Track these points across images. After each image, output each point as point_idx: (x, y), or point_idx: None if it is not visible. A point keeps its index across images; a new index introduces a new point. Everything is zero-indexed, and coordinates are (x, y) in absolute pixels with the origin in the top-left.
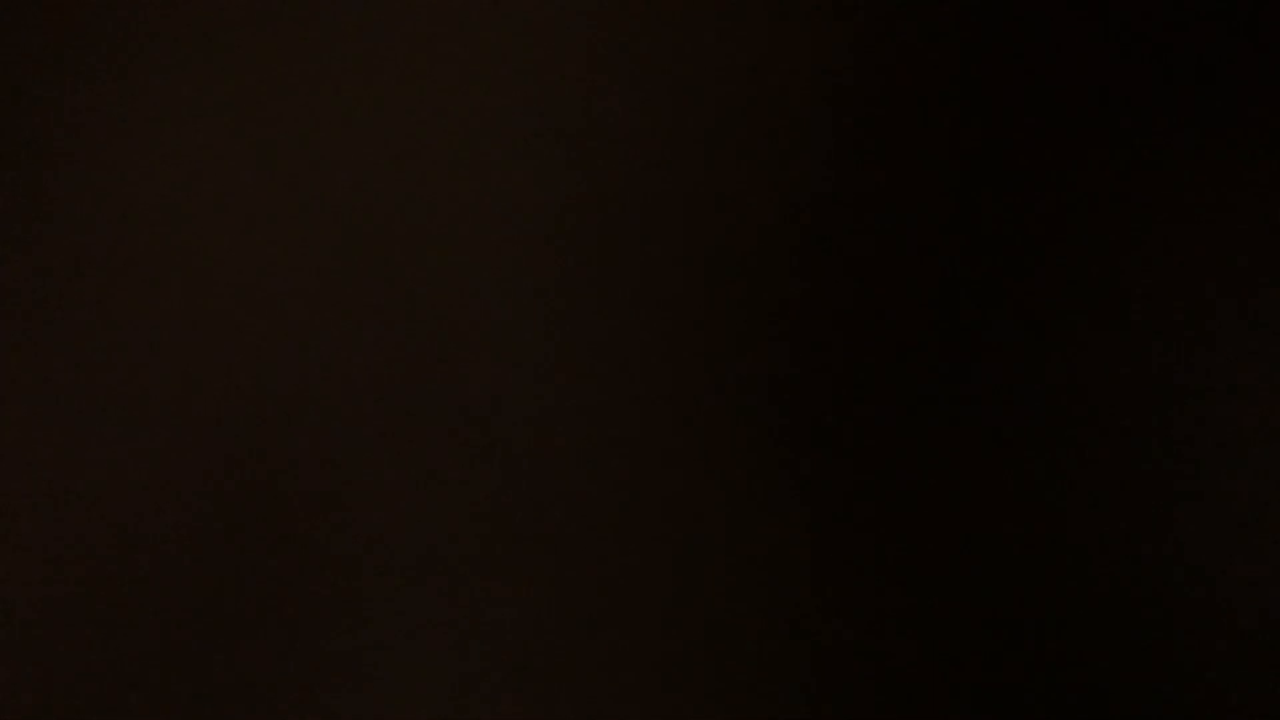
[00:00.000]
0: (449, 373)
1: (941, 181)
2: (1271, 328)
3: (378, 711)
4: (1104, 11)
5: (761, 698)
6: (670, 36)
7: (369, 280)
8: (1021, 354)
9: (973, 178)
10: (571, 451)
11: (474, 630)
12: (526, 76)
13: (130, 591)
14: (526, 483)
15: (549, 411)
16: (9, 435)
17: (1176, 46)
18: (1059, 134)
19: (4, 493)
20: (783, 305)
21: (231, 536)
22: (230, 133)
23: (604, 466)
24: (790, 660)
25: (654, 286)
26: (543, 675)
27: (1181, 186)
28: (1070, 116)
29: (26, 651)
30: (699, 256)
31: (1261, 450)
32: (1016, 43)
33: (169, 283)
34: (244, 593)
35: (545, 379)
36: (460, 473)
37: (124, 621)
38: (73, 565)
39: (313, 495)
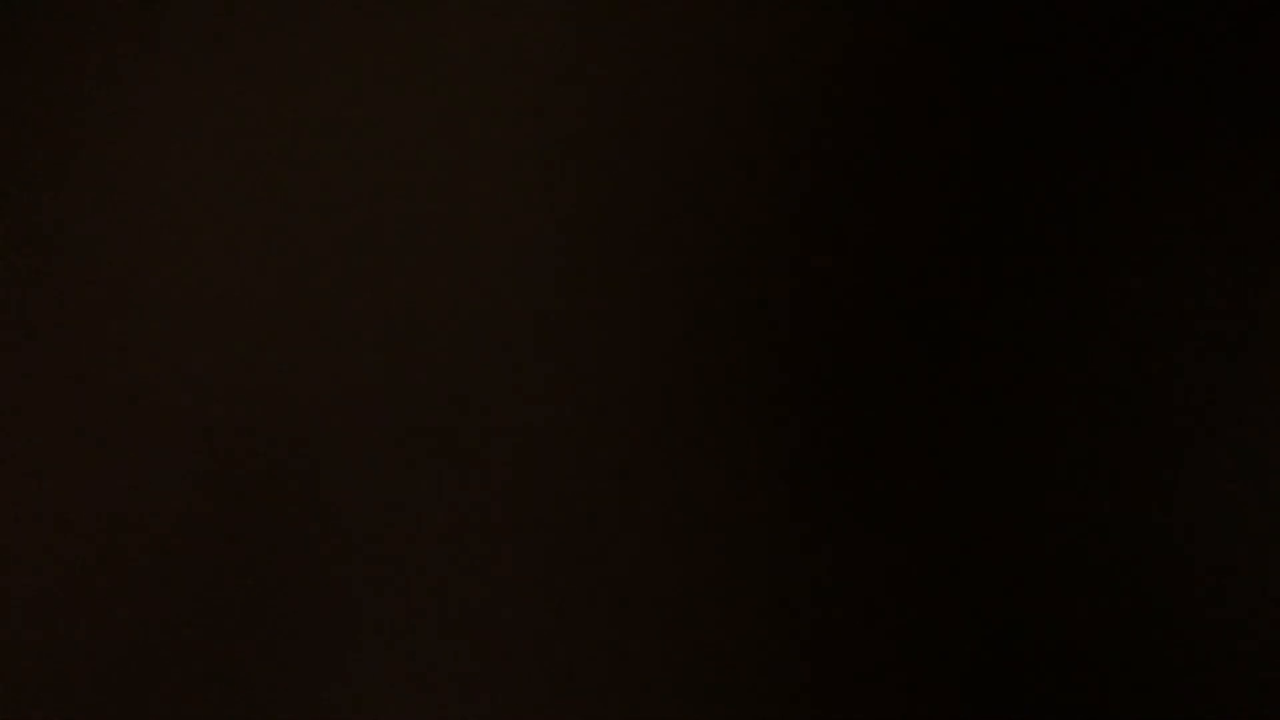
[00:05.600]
0: (446, 373)
1: (941, 181)
2: (1272, 327)
3: (373, 711)
4: (1104, 11)
5: (762, 698)
6: (669, 36)
7: (367, 280)
8: (1022, 354)
9: (972, 177)
10: (570, 452)
11: (471, 631)
12: (525, 75)
13: (126, 590)
14: (524, 484)
15: (547, 412)
16: (9, 434)
17: (1177, 46)
18: (1059, 133)
19: (3, 492)
20: (782, 305)
21: (227, 536)
22: (229, 133)
23: (601, 467)
24: (790, 661)
25: (654, 287)
26: (538, 676)
27: (1181, 186)
28: (1070, 116)
29: (25, 650)
30: (699, 257)
31: (1262, 450)
32: (1016, 42)
33: (167, 282)
34: (239, 592)
35: (542, 379)
36: (457, 473)
37: (120, 620)
38: (70, 564)
39: (310, 495)
